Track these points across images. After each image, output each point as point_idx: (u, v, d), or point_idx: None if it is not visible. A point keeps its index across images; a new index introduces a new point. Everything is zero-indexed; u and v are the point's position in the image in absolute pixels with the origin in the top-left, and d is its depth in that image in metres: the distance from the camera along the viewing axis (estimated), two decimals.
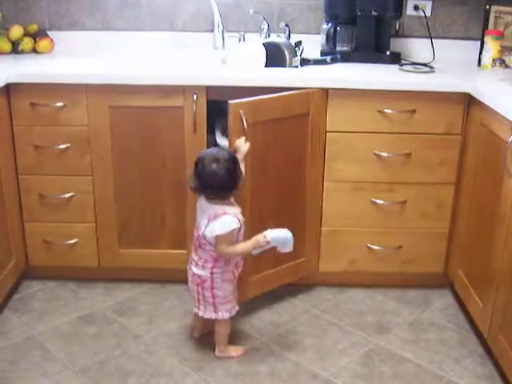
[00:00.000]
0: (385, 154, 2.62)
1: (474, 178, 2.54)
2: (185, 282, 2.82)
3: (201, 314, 2.35)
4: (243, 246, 2.23)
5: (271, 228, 2.22)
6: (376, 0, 2.81)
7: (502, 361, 2.25)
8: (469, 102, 2.55)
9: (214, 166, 2.12)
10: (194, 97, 2.53)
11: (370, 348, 2.48)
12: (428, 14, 3.08)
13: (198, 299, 2.34)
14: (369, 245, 2.75)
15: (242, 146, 2.31)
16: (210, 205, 2.19)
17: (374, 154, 2.62)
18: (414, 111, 2.57)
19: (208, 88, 2.54)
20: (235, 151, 2.27)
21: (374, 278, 2.85)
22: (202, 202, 2.23)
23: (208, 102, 2.56)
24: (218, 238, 2.17)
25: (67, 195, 2.68)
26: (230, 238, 2.19)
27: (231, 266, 2.29)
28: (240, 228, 2.22)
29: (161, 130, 2.61)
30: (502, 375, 2.29)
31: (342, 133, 2.60)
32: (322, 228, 2.73)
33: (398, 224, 2.73)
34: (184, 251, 2.77)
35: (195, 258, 2.29)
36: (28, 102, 2.55)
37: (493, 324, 2.30)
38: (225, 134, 2.79)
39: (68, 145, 2.61)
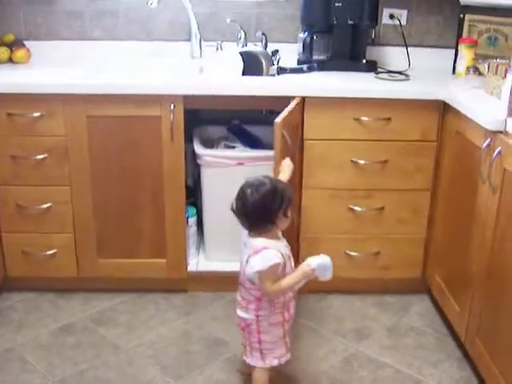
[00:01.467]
0: (362, 162, 2.64)
1: (449, 184, 2.57)
2: (163, 290, 2.84)
3: (248, 361, 2.14)
4: (288, 281, 1.98)
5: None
6: (352, 9, 2.84)
7: (479, 364, 2.27)
8: (444, 109, 2.58)
9: (248, 191, 1.94)
10: (172, 106, 2.54)
11: (349, 353, 2.50)
12: (403, 22, 3.11)
13: (245, 344, 2.14)
14: (347, 251, 2.77)
15: (287, 166, 2.19)
16: (251, 239, 2.00)
17: (351, 161, 2.64)
18: (389, 119, 2.59)
19: (185, 97, 2.55)
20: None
21: (352, 284, 2.87)
22: (244, 238, 2.03)
23: (185, 110, 2.57)
24: (259, 274, 1.95)
25: (45, 206, 2.67)
26: (273, 274, 1.95)
27: (278, 307, 2.06)
28: (285, 264, 1.99)
29: (138, 140, 2.61)
30: (480, 378, 2.31)
31: (319, 140, 2.62)
32: (301, 235, 2.75)
33: (375, 230, 2.76)
34: (163, 260, 2.77)
35: (238, 298, 2.10)
36: (5, 112, 2.54)
37: (470, 328, 2.33)
38: (203, 143, 2.80)
39: (45, 155, 2.60)
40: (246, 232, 2.03)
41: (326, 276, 2.00)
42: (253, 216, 1.96)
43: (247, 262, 1.98)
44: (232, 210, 1.99)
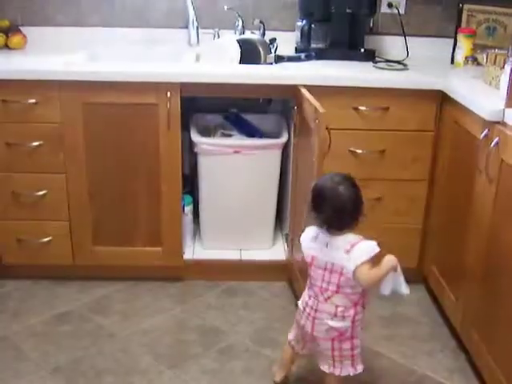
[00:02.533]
0: (359, 151, 2.64)
1: (446, 174, 2.57)
2: (159, 279, 2.83)
3: (337, 372, 2.03)
4: (379, 272, 1.92)
5: None
6: None
7: (474, 354, 2.28)
8: (442, 99, 2.57)
9: (341, 188, 1.91)
10: (168, 94, 2.52)
11: None
12: (402, 11, 3.09)
13: (333, 356, 2.02)
14: None
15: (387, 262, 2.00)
16: (335, 237, 1.94)
17: (349, 150, 2.63)
18: (387, 108, 2.58)
19: (182, 85, 2.53)
20: None
21: None
22: (319, 237, 1.97)
23: (182, 98, 2.56)
24: (362, 265, 1.89)
25: (40, 193, 2.66)
26: (374, 265, 1.91)
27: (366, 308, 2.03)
28: None
29: (135, 128, 2.60)
30: (474, 368, 2.32)
31: None
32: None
33: (372, 220, 2.70)
34: (159, 248, 2.77)
35: (331, 308, 1.96)
36: (0, 98, 2.52)
37: (465, 318, 2.34)
38: (200, 131, 2.79)
39: (41, 142, 2.58)
40: (316, 233, 1.98)
41: (402, 289, 2.00)
42: (347, 212, 1.92)
43: (348, 259, 1.91)
44: (319, 211, 1.93)
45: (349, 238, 1.94)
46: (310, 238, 2.00)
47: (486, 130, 2.15)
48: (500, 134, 2.07)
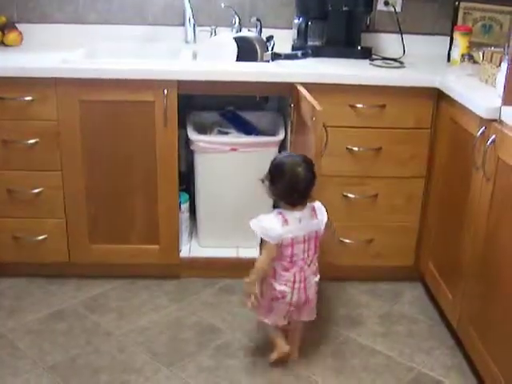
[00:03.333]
0: (356, 149, 2.64)
1: (443, 171, 2.57)
2: (155, 276, 2.82)
3: (306, 318, 2.30)
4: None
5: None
6: None
7: (472, 351, 2.28)
8: (438, 96, 2.57)
9: (300, 170, 2.09)
10: (165, 91, 2.51)
11: (341, 341, 2.50)
12: (398, 9, 3.10)
13: (315, 305, 2.30)
14: (340, 238, 2.77)
15: None
16: (301, 211, 2.14)
17: (346, 148, 2.63)
18: (384, 106, 2.58)
19: (179, 82, 2.52)
20: None
21: (345, 272, 2.86)
22: (288, 219, 2.12)
23: (179, 96, 2.55)
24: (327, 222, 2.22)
25: (36, 190, 2.65)
26: None
27: None
28: None
29: (131, 125, 2.59)
30: (472, 366, 2.32)
31: None
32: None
33: (369, 217, 2.76)
34: (155, 246, 2.76)
35: (313, 268, 2.22)
36: None
37: (462, 315, 2.34)
38: (196, 128, 2.79)
39: (37, 139, 2.58)
40: (282, 217, 2.12)
41: None
42: (308, 190, 2.12)
43: (318, 223, 2.17)
44: (279, 193, 2.14)
45: (308, 207, 2.16)
46: (280, 225, 2.11)
47: (483, 128, 2.15)
48: (496, 132, 2.08)
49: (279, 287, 2.18)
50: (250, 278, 2.16)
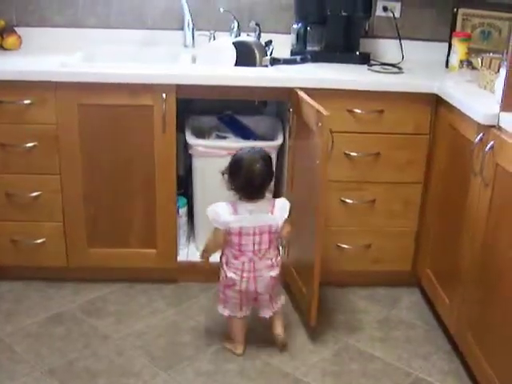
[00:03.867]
0: (354, 154, 2.64)
1: (441, 177, 2.57)
2: (153, 280, 2.82)
3: (276, 308, 2.41)
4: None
5: None
6: (346, 1, 2.83)
7: (469, 357, 2.28)
8: (437, 102, 2.58)
9: (258, 166, 2.22)
10: (164, 95, 2.52)
11: (339, 346, 2.50)
12: (397, 15, 3.10)
13: (272, 299, 2.38)
14: (338, 244, 2.77)
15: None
16: (258, 203, 2.25)
17: (344, 153, 2.64)
18: (382, 111, 2.59)
19: (178, 86, 2.53)
20: None
21: (343, 277, 2.87)
22: (238, 209, 2.23)
23: (178, 100, 2.55)
24: (285, 220, 2.29)
25: (35, 194, 2.65)
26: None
27: None
28: None
29: (130, 129, 2.59)
30: (469, 371, 2.32)
31: None
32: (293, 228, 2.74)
33: (367, 223, 2.76)
34: (153, 250, 2.76)
35: (268, 262, 2.30)
36: None
37: (459, 321, 2.34)
38: (195, 133, 2.79)
39: (35, 143, 2.58)
40: (233, 208, 2.24)
41: None
42: (263, 186, 2.25)
43: (274, 218, 2.26)
44: (238, 186, 2.24)
45: (266, 201, 2.27)
46: (229, 213, 2.23)
47: (481, 134, 2.15)
48: (495, 138, 2.08)
49: (229, 274, 2.30)
50: (201, 256, 2.43)
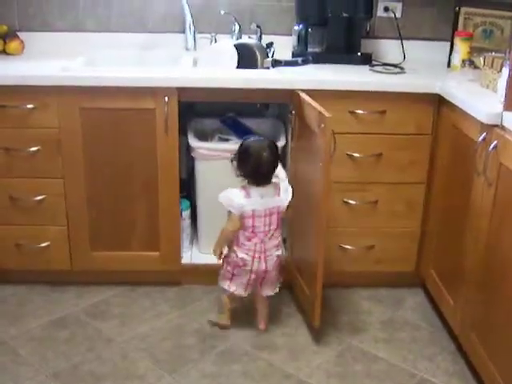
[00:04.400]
0: (356, 155, 2.64)
1: (444, 177, 2.57)
2: (157, 283, 2.82)
3: (269, 292, 2.53)
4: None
5: None
6: (347, 2, 2.83)
7: (474, 358, 2.28)
8: (439, 102, 2.57)
9: (265, 154, 2.33)
10: (166, 99, 2.52)
11: (343, 347, 2.50)
12: (398, 15, 3.10)
13: (277, 278, 2.53)
14: (341, 245, 2.77)
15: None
16: (266, 188, 2.38)
17: (346, 154, 2.63)
18: (384, 112, 2.59)
19: (179, 89, 2.53)
20: None
21: (346, 278, 2.86)
22: (250, 194, 2.36)
23: (180, 103, 2.56)
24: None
25: (38, 198, 2.66)
26: None
27: None
28: None
29: (132, 132, 2.60)
30: (474, 372, 2.32)
31: None
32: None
33: (369, 224, 2.76)
34: (156, 253, 2.77)
35: (275, 241, 2.45)
36: None
37: (464, 322, 2.34)
38: (197, 136, 2.79)
39: (39, 147, 2.58)
40: (246, 192, 2.36)
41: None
42: (271, 172, 2.37)
43: (281, 200, 2.40)
44: (246, 173, 2.37)
45: (273, 185, 2.40)
46: (243, 197, 2.36)
47: (484, 134, 2.15)
48: (498, 138, 2.08)
49: (241, 254, 2.42)
50: (215, 245, 2.49)
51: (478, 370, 2.25)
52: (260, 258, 2.42)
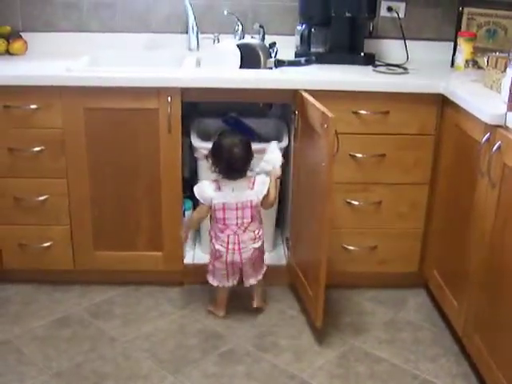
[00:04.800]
0: (359, 155, 2.64)
1: (447, 178, 2.57)
2: (159, 283, 2.83)
3: (260, 277, 2.62)
4: (273, 190, 2.51)
5: None
6: (350, 1, 2.82)
7: (477, 359, 2.27)
8: (442, 102, 2.57)
9: (237, 150, 2.40)
10: (169, 99, 2.52)
11: (345, 348, 2.49)
12: (401, 15, 3.10)
13: (256, 268, 2.59)
14: (344, 245, 2.77)
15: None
16: (238, 182, 2.45)
17: (350, 154, 2.63)
18: (388, 112, 2.58)
19: (183, 90, 2.53)
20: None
21: (349, 279, 2.86)
22: (221, 187, 2.44)
23: (183, 103, 2.56)
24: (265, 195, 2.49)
25: (42, 198, 2.66)
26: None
27: None
28: None
29: (136, 132, 2.60)
30: (477, 374, 2.31)
31: None
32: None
33: (373, 224, 2.75)
34: (159, 253, 2.77)
35: (251, 234, 2.50)
36: (1, 104, 2.52)
37: (467, 323, 2.33)
38: (200, 135, 2.79)
39: (42, 147, 2.59)
40: (216, 185, 2.45)
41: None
42: (244, 167, 2.45)
43: (254, 193, 2.46)
44: (220, 168, 2.44)
45: (246, 179, 2.46)
46: (213, 190, 2.45)
47: (488, 134, 2.14)
48: (502, 138, 2.07)
49: (217, 246, 2.51)
50: (182, 231, 2.63)
51: (481, 372, 2.24)
52: (234, 249, 2.49)
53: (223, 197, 2.44)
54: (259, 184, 2.47)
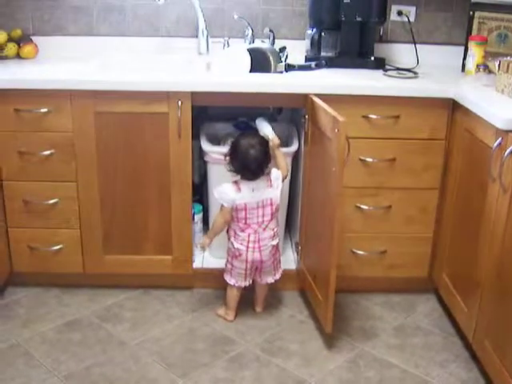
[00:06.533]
0: (370, 160, 2.63)
1: (458, 183, 2.55)
2: (168, 287, 2.83)
3: (277, 277, 2.65)
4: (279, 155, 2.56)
5: None
6: (360, 6, 2.81)
7: (487, 365, 2.26)
8: (453, 107, 2.56)
9: (252, 152, 2.41)
10: (179, 103, 2.52)
11: (355, 353, 2.48)
12: (412, 19, 3.09)
13: (274, 267, 2.62)
14: (354, 250, 2.76)
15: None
16: (257, 182, 2.46)
17: (360, 159, 2.63)
18: (398, 116, 2.58)
19: (193, 94, 2.53)
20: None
21: (358, 283, 2.85)
22: (241, 188, 2.45)
23: (193, 107, 2.56)
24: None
25: (52, 201, 2.67)
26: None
27: None
28: None
29: (145, 136, 2.60)
30: (488, 380, 2.30)
31: None
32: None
33: (382, 229, 2.74)
34: (169, 257, 2.77)
35: (270, 232, 2.53)
36: (12, 107, 2.53)
37: (478, 329, 2.32)
38: (210, 140, 2.79)
39: (52, 151, 2.59)
40: (237, 187, 2.46)
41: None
42: (260, 167, 2.44)
43: (274, 191, 2.49)
44: (236, 168, 2.46)
45: (264, 177, 2.48)
46: (234, 191, 2.46)
47: (500, 139, 2.13)
48: None
49: (236, 245, 2.53)
50: (207, 236, 2.60)
51: (491, 378, 2.23)
52: (254, 248, 2.51)
53: (243, 198, 2.46)
54: (275, 179, 2.50)
